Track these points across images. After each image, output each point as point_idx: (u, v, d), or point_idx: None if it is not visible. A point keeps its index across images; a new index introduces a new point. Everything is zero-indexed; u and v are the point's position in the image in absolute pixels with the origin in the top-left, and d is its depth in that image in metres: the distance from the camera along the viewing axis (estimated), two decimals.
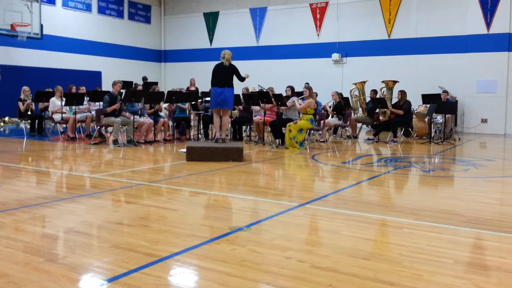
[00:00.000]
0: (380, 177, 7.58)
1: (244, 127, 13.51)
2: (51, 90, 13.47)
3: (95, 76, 19.40)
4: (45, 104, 13.26)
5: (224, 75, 9.77)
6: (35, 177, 7.36)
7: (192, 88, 16.62)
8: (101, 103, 11.76)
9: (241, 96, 12.58)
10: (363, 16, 18.30)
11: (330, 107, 13.78)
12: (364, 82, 15.19)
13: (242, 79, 10.03)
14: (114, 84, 11.43)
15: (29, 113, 13.39)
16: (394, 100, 13.66)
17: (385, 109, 13.22)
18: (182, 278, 3.21)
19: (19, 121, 14.91)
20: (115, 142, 11.12)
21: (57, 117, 12.67)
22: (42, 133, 13.55)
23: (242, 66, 9.67)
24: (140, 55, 22.25)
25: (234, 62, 9.96)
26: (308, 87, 11.22)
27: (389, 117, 13.17)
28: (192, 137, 13.15)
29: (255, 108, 12.62)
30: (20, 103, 13.32)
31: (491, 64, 16.06)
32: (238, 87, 14.44)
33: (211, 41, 21.71)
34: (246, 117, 12.78)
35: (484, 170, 8.42)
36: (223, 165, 8.32)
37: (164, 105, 13.26)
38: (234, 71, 9.88)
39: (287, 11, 19.89)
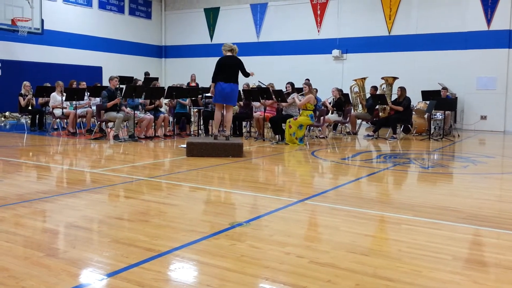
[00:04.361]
0: (379, 174, 7.59)
1: (244, 123, 13.53)
2: (49, 85, 13.48)
3: (96, 71, 19.39)
4: (45, 99, 13.28)
5: (231, 69, 9.24)
6: (36, 172, 7.37)
7: (193, 84, 16.63)
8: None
9: (241, 92, 12.58)
10: (363, 12, 18.29)
11: (330, 103, 13.79)
12: (364, 78, 15.18)
13: (247, 74, 9.53)
14: (110, 79, 11.46)
15: (29, 108, 13.41)
16: (394, 97, 13.66)
17: (385, 106, 13.23)
18: (181, 273, 3.23)
19: (20, 116, 14.92)
20: (116, 137, 11.13)
21: (57, 112, 12.69)
22: (43, 128, 13.57)
23: (242, 61, 9.51)
24: (141, 50, 22.24)
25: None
26: (307, 83, 11.21)
27: (388, 114, 13.17)
28: (192, 132, 13.16)
29: (255, 104, 12.63)
30: (20, 98, 13.33)
31: (491, 61, 16.05)
32: (239, 83, 14.49)
33: (211, 37, 21.69)
34: (246, 113, 12.79)
35: (483, 167, 8.43)
36: (223, 161, 8.34)
37: (165, 101, 13.27)
38: (240, 65, 9.37)
39: (287, 7, 19.87)
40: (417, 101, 14.47)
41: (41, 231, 4.14)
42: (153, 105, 12.25)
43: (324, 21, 19.11)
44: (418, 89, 14.59)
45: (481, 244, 4.03)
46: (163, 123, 12.66)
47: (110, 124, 12.42)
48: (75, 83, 13.60)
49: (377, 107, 13.63)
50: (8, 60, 16.90)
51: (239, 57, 9.50)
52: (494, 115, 16.26)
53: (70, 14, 19.08)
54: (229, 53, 9.43)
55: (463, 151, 11.25)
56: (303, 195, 5.82)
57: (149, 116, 11.88)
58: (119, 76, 12.29)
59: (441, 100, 13.06)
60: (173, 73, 22.78)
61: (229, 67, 9.29)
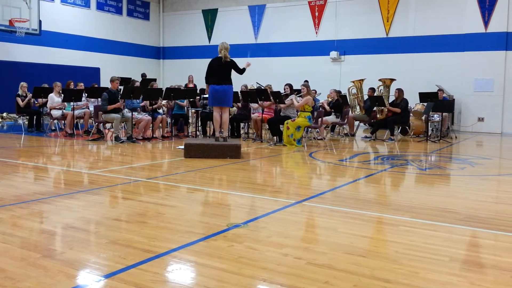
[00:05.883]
0: (377, 175, 7.60)
1: (242, 124, 13.52)
2: (46, 86, 13.46)
3: (94, 73, 19.38)
4: (43, 100, 13.27)
5: (222, 71, 9.13)
6: (33, 173, 7.36)
7: (191, 85, 16.61)
8: (99, 99, 11.74)
9: (239, 93, 12.58)
10: (361, 14, 18.32)
11: (328, 104, 13.79)
12: (362, 80, 15.20)
13: (241, 71, 9.38)
14: (111, 81, 11.38)
15: (31, 107, 13.39)
16: (392, 98, 13.68)
17: (382, 107, 13.24)
18: (179, 274, 3.23)
19: (17, 117, 14.90)
20: (117, 138, 11.10)
21: (56, 113, 12.66)
22: (40, 129, 13.55)
23: (240, 63, 9.48)
24: (139, 51, 22.24)
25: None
26: (305, 84, 11.22)
27: (386, 115, 13.19)
28: (190, 134, 13.16)
29: (253, 105, 12.63)
30: (18, 99, 13.32)
31: (489, 63, 16.08)
32: (237, 84, 14.49)
33: (209, 38, 21.70)
34: (244, 114, 12.79)
35: (480, 168, 8.44)
36: (221, 162, 8.34)
37: (163, 102, 13.27)
38: (232, 66, 9.24)
39: (285, 9, 19.89)
40: (414, 102, 14.50)
41: (38, 232, 4.13)
42: (152, 106, 12.24)
43: (322, 22, 19.13)
44: (416, 91, 14.59)
45: (478, 246, 4.04)
46: (160, 124, 12.65)
47: (108, 125, 12.39)
48: (72, 83, 13.58)
49: (374, 108, 13.65)
50: (5, 61, 16.87)
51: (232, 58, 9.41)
52: (491, 117, 16.29)
53: (68, 15, 19.07)
54: (220, 54, 9.30)
55: (461, 152, 11.26)
56: (301, 196, 5.82)
57: (147, 117, 11.87)
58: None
59: (438, 102, 13.07)
60: (171, 74, 22.77)
61: (219, 69, 9.19)
